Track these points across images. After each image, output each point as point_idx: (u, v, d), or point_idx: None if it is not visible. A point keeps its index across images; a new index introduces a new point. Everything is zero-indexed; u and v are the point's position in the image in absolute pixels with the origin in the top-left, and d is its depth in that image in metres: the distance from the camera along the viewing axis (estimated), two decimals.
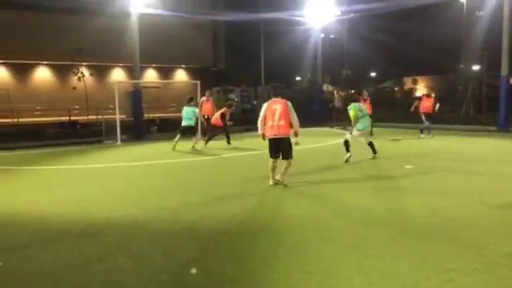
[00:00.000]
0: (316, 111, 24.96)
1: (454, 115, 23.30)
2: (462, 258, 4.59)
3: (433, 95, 16.82)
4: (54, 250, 5.22)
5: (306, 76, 37.55)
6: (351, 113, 10.87)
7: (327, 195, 7.66)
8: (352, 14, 27.80)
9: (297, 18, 25.74)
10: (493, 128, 18.36)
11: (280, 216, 6.46)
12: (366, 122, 11.08)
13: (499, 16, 19.40)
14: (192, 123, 14.39)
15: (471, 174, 9.44)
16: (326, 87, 44.46)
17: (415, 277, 4.18)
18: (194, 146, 14.20)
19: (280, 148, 8.14)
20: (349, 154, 10.93)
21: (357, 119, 10.89)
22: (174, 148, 14.32)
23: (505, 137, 16.44)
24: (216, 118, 15.25)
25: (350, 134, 11.07)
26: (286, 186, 8.14)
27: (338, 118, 21.19)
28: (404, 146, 14.36)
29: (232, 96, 29.75)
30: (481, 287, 3.98)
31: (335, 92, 24.57)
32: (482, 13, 28.40)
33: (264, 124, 8.26)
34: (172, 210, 6.91)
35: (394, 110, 27.04)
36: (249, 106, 31.62)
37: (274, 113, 8.09)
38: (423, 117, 16.42)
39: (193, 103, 14.90)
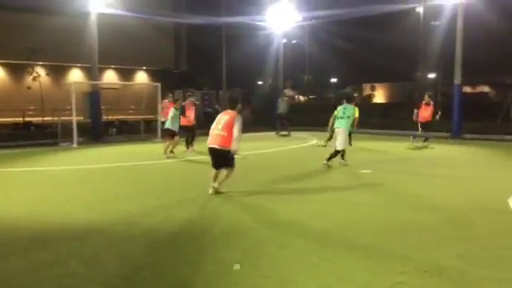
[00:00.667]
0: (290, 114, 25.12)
1: (410, 122, 23.95)
2: (414, 261, 4.71)
3: (432, 103, 15.68)
4: (3, 255, 5.03)
5: (267, 80, 37.75)
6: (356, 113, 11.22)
7: (284, 200, 7.71)
8: (313, 20, 28.21)
9: (259, 23, 25.89)
10: (447, 134, 18.98)
11: (238, 220, 6.45)
12: (341, 124, 10.88)
13: (454, 26, 20.13)
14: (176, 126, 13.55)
15: (425, 178, 9.73)
16: (288, 92, 44.88)
17: (368, 279, 4.26)
18: (171, 151, 13.40)
19: (217, 159, 7.81)
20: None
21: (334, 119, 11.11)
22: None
23: (457, 143, 17.04)
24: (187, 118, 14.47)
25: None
26: (220, 193, 7.81)
27: (282, 124, 20.93)
28: (364, 151, 14.65)
29: (192, 99, 29.65)
30: None
31: (286, 95, 23.29)
32: (437, 23, 29.38)
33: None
34: (129, 214, 6.79)
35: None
36: (210, 109, 31.49)
37: (219, 122, 7.80)
38: (419, 125, 15.55)
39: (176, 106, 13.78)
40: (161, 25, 27.68)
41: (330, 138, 12.19)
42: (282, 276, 4.37)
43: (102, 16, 19.33)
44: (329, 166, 10.89)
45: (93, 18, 19.09)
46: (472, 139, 18.15)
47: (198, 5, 29.14)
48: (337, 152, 10.87)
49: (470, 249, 5.07)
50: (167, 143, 13.46)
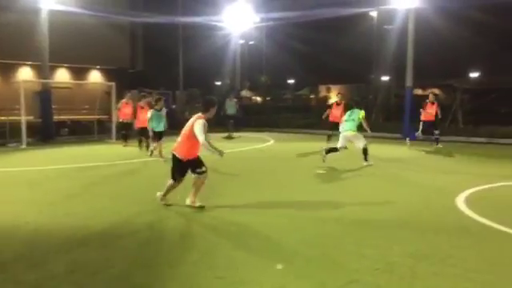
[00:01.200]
0: (240, 115, 25.10)
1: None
2: (367, 258, 4.82)
3: (436, 102, 15.62)
4: None
5: (225, 81, 37.70)
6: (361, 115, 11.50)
7: (239, 200, 7.71)
8: (271, 22, 28.38)
9: (216, 24, 25.80)
10: (398, 135, 19.53)
11: (192, 221, 6.39)
12: (347, 126, 11.52)
13: (406, 30, 20.76)
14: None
15: (377, 178, 9.98)
16: (245, 93, 44.98)
17: (324, 278, 4.32)
18: (152, 151, 12.85)
19: (175, 167, 6.93)
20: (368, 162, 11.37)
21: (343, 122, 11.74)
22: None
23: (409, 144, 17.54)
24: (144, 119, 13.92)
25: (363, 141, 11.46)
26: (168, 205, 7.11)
27: (232, 125, 20.05)
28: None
29: (148, 99, 29.04)
30: (382, 286, 4.19)
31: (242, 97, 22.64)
32: (390, 27, 30.19)
33: None
34: (80, 217, 6.60)
35: (309, 117, 27.93)
36: (167, 110, 31.06)
37: (184, 127, 6.91)
38: (421, 125, 15.56)
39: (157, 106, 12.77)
40: (116, 23, 27.05)
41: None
42: (237, 277, 4.36)
43: (53, 13, 18.72)
44: (368, 165, 11.35)
45: (44, 14, 18.46)
46: (424, 140, 18.74)
47: (155, 4, 28.72)
48: (365, 150, 11.45)
49: (420, 246, 5.24)
50: (155, 145, 12.60)
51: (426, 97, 16.27)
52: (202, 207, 6.89)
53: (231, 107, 20.21)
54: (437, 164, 12.38)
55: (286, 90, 53.76)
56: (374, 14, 31.60)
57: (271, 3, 27.28)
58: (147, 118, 12.52)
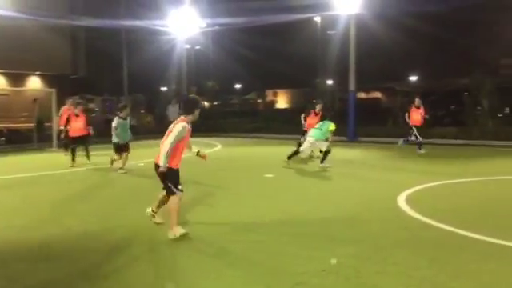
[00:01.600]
0: None
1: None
2: (313, 260, 4.90)
3: (421, 106, 15.41)
4: None
5: (171, 86, 37.27)
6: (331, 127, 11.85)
7: (186, 207, 7.63)
8: (217, 27, 28.38)
9: (160, 28, 25.48)
10: (343, 138, 20.02)
11: (139, 230, 6.25)
12: (314, 133, 12.01)
13: (348, 36, 21.36)
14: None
15: (324, 180, 10.19)
16: None
17: (271, 282, 4.35)
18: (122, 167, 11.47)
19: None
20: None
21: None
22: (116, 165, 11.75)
23: (353, 146, 18.05)
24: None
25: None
26: (158, 223, 6.27)
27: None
28: (270, 155, 14.98)
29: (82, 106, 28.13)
30: (328, 287, 4.28)
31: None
32: (333, 32, 30.99)
33: None
34: (19, 229, 6.31)
35: (257, 122, 28.14)
36: (112, 116, 30.30)
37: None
38: (414, 129, 15.17)
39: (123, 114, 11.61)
40: (56, 27, 26.15)
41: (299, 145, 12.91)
42: (187, 282, 4.32)
43: None
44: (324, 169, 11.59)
45: None
46: (367, 142, 19.32)
47: (97, 7, 27.99)
48: (326, 152, 11.81)
49: (363, 247, 5.39)
50: (118, 157, 11.48)
51: (371, 100, 16.76)
52: (160, 223, 6.19)
53: (174, 113, 19.00)
54: (380, 164, 12.77)
55: (234, 94, 53.87)
56: (317, 19, 32.30)
57: (217, 9, 27.32)
58: (112, 126, 11.29)
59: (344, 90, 24.78)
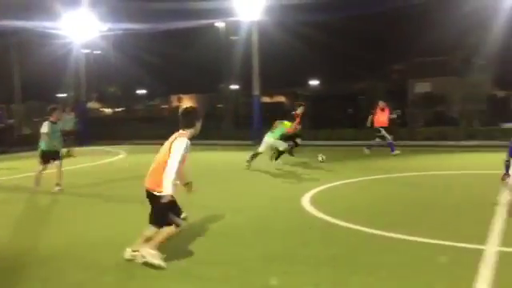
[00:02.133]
0: (80, 130, 23.60)
1: (215, 131, 24.95)
2: (220, 265, 4.87)
3: (387, 108, 15.19)
4: None
5: (70, 93, 35.35)
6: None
7: (84, 216, 7.25)
8: (118, 31, 27.40)
9: (55, 31, 24.03)
10: (248, 142, 20.26)
11: (39, 245, 5.81)
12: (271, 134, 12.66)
13: (251, 41, 21.73)
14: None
15: (227, 184, 10.23)
16: (93, 104, 42.70)
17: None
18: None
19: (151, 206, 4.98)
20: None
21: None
22: None
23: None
24: None
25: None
26: (142, 258, 4.86)
27: (73, 141, 17.36)
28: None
29: None
30: None
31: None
32: (237, 38, 31.32)
33: None
34: None
35: (163, 128, 27.56)
36: (3, 124, 28.03)
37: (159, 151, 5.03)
38: (382, 130, 14.97)
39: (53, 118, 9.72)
40: None
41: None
42: None
43: None
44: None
45: None
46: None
47: None
48: (281, 152, 12.67)
49: (270, 248, 5.47)
50: (43, 167, 9.54)
51: (276, 103, 17.08)
52: (161, 268, 4.75)
53: (68, 122, 17.28)
54: (284, 167, 13.09)
55: (138, 100, 52.41)
56: (220, 25, 32.47)
57: (118, 13, 26.38)
58: (43, 132, 9.43)
59: (248, 94, 25.16)
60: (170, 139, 4.93)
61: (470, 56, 23.31)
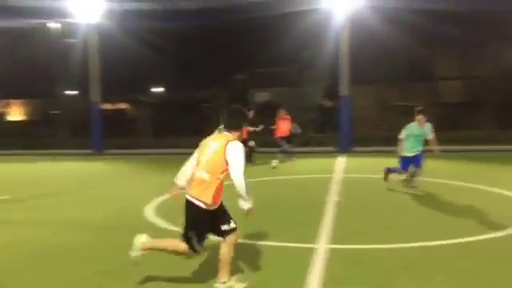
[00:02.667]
0: None
1: (51, 139, 23.13)
2: (51, 284, 4.47)
3: (288, 117, 14.98)
4: None
5: None
6: None
7: None
8: None
9: None
10: (88, 151, 19.17)
11: None
12: None
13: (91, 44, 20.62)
14: None
15: (64, 197, 9.51)
16: None
17: None
18: None
19: (187, 219, 4.29)
20: None
21: None
22: None
23: (99, 159, 17.43)
24: None
25: None
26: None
27: None
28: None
29: None
30: None
31: None
32: (75, 41, 29.42)
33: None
34: None
35: None
36: None
37: (203, 152, 4.33)
38: (281, 141, 14.69)
39: None
40: None
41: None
42: None
43: None
44: None
45: None
46: (115, 154, 18.93)
47: None
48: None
49: (110, 262, 5.18)
50: None
51: (117, 110, 16.47)
52: None
53: None
54: (128, 176, 12.65)
55: None
56: (54, 25, 30.22)
57: None
58: None
59: (88, 100, 23.87)
60: (214, 142, 4.25)
61: (304, 68, 25.36)
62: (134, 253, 4.37)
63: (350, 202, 8.21)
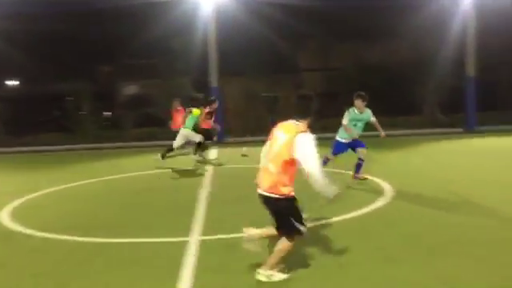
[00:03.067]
0: None
1: None
2: None
3: (181, 109, 13.92)
4: None
5: None
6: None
7: None
8: None
9: None
10: None
11: None
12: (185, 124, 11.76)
13: None
14: None
15: None
16: None
17: None
18: None
19: (272, 213, 4.19)
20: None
21: None
22: None
23: None
24: None
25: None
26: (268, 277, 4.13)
27: None
28: None
29: None
30: None
31: None
32: None
33: None
34: None
35: None
36: None
37: (272, 144, 4.18)
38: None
39: None
40: None
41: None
42: None
43: None
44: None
45: None
46: None
47: None
48: (199, 143, 11.89)
49: None
50: None
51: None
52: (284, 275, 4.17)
53: None
54: None
55: None
56: None
57: None
58: None
59: None
60: (283, 133, 4.05)
61: (172, 60, 24.99)
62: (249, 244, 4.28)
63: (222, 193, 8.29)
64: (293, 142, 3.92)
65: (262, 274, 4.12)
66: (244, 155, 11.15)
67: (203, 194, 8.12)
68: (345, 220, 6.07)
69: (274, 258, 4.12)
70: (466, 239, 5.11)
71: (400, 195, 7.41)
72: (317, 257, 4.70)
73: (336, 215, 6.14)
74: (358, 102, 8.34)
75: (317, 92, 14.41)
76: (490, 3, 21.46)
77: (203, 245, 5.25)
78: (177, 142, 11.78)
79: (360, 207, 6.60)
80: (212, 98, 12.89)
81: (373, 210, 6.54)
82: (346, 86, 27.95)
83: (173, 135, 12.29)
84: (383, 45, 29.14)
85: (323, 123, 16.57)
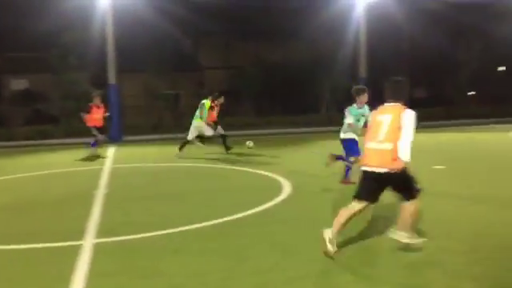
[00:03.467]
0: None
1: None
2: None
3: (102, 105, 13.32)
4: None
5: None
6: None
7: None
8: None
9: None
10: None
11: None
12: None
13: None
14: None
15: None
16: None
17: None
18: None
19: (379, 189, 4.51)
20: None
21: None
22: None
23: None
24: None
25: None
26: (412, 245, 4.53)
27: None
28: None
29: None
30: None
31: None
32: None
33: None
34: None
35: None
36: None
37: (377, 128, 4.50)
38: (94, 130, 13.00)
39: None
40: None
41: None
42: None
43: None
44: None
45: None
46: None
47: None
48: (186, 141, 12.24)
49: None
50: None
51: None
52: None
53: None
54: None
55: None
56: None
57: None
58: None
59: None
60: (390, 114, 4.41)
61: (66, 54, 23.61)
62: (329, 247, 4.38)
63: (119, 193, 7.95)
64: (400, 118, 4.33)
65: (404, 236, 4.48)
66: (250, 148, 12.51)
67: (99, 195, 7.73)
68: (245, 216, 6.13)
69: (411, 221, 4.51)
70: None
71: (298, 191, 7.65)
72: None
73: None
74: (364, 97, 7.63)
75: (220, 90, 14.51)
76: (380, 8, 23.04)
77: (97, 248, 4.98)
78: (191, 135, 12.12)
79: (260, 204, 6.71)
80: (216, 93, 13.03)
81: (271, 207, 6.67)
82: (248, 85, 28.46)
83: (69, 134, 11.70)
84: (284, 45, 30.05)
85: (227, 121, 16.67)
